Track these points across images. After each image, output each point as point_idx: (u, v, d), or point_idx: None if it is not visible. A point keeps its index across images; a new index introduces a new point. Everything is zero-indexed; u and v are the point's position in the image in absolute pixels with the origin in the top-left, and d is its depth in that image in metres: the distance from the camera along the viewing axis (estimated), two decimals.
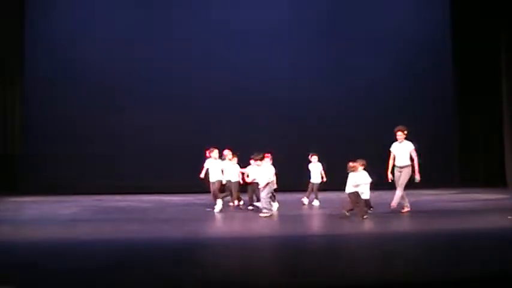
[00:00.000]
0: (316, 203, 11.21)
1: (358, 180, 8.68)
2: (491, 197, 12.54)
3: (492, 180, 15.36)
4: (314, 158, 11.43)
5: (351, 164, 8.81)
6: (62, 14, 15.72)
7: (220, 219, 9.20)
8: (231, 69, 15.85)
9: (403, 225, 8.49)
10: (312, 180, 11.37)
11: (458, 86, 16.66)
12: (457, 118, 16.72)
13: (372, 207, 9.35)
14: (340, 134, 15.57)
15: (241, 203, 11.00)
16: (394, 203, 9.38)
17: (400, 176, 9.42)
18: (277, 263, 5.37)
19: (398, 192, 9.37)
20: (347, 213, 8.60)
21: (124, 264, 5.21)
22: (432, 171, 15.52)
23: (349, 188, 8.71)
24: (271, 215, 9.08)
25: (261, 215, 9.06)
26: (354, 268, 5.06)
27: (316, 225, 8.43)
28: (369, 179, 9.09)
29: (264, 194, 9.21)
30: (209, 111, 15.56)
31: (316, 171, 11.38)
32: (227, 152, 10.76)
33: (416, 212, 9.50)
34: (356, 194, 8.67)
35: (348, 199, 8.74)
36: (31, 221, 8.93)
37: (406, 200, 9.60)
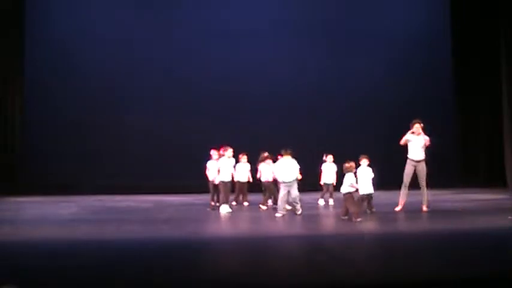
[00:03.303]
0: (331, 202, 11.36)
1: (354, 181, 8.63)
2: (491, 197, 12.53)
3: (492, 180, 15.35)
4: (329, 158, 11.35)
5: (346, 164, 8.71)
6: (62, 14, 15.75)
7: (220, 220, 9.20)
8: (231, 69, 15.86)
9: (403, 225, 8.49)
10: (325, 181, 11.31)
11: (458, 86, 16.66)
12: (457, 118, 16.73)
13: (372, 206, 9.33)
14: (340, 134, 15.57)
15: (246, 204, 11.14)
16: (425, 207, 9.41)
17: (413, 171, 9.39)
18: (277, 263, 5.37)
19: (425, 191, 9.42)
20: (343, 217, 8.52)
21: (124, 264, 5.21)
22: (432, 171, 15.60)
23: (345, 188, 8.58)
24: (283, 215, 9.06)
25: (297, 213, 9.12)
26: (354, 268, 5.06)
27: (317, 225, 8.43)
28: (371, 175, 9.15)
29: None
30: (209, 110, 15.58)
31: (330, 171, 11.32)
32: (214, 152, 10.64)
33: (416, 212, 9.49)
34: (351, 195, 8.55)
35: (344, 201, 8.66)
36: (31, 221, 8.93)
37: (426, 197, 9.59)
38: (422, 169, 9.41)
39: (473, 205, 10.94)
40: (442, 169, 16.02)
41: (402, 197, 9.55)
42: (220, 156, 10.25)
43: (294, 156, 9.34)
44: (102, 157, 15.11)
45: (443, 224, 8.19)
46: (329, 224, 8.81)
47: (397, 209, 9.50)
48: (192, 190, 13.42)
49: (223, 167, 10.06)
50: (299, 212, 9.13)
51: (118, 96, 15.54)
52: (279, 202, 9.17)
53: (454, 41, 16.71)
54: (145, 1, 16.32)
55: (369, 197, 9.20)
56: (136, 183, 14.59)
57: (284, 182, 9.05)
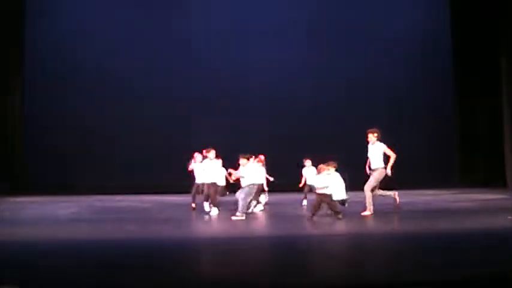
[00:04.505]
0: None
1: (319, 183, 8.64)
2: (491, 197, 12.54)
3: (492, 180, 15.36)
4: (308, 162, 11.39)
5: (320, 165, 8.87)
6: (62, 14, 15.78)
7: (219, 220, 9.20)
8: (231, 69, 15.89)
9: (403, 225, 8.49)
10: (309, 183, 11.31)
11: (458, 86, 16.67)
12: (457, 118, 16.73)
13: (338, 212, 9.05)
14: (339, 134, 15.57)
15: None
16: (368, 209, 9.17)
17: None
18: (277, 263, 5.37)
19: (367, 196, 9.19)
20: (313, 218, 8.58)
21: (124, 264, 5.21)
22: (432, 171, 15.65)
23: (317, 189, 8.76)
24: (242, 219, 8.87)
25: (233, 217, 8.81)
26: (353, 268, 5.06)
27: (314, 225, 8.43)
28: (339, 181, 9.12)
29: (242, 196, 9.05)
30: (209, 110, 15.60)
31: (311, 174, 11.29)
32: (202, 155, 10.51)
33: (416, 212, 9.50)
34: (322, 196, 8.62)
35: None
36: (31, 221, 8.92)
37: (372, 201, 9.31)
38: (376, 175, 9.18)
39: (473, 205, 10.94)
40: (442, 169, 16.07)
41: (391, 193, 9.54)
42: (204, 158, 10.17)
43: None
44: (102, 157, 15.13)
45: (443, 224, 8.19)
46: (324, 224, 8.81)
47: (397, 203, 9.48)
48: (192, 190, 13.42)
49: (208, 169, 9.91)
50: (235, 217, 8.90)
51: (118, 96, 15.56)
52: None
53: (454, 41, 16.70)
54: (145, 1, 16.32)
55: (341, 202, 9.26)
56: (137, 183, 14.60)
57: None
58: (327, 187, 8.60)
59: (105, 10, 15.91)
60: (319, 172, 8.78)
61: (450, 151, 16.59)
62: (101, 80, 15.53)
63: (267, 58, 15.96)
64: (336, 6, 16.72)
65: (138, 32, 15.82)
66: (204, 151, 10.24)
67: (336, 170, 9.11)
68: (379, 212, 9.38)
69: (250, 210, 9.32)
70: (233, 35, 16.08)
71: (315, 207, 8.62)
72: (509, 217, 8.45)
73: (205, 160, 10.06)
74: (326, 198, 8.61)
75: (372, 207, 9.14)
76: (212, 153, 9.99)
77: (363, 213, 9.07)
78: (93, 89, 15.48)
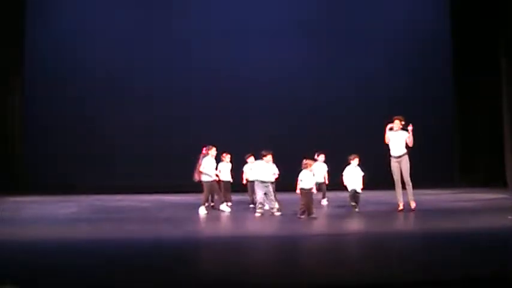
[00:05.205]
0: (324, 202, 11.26)
1: (304, 177, 8.77)
2: (491, 197, 12.54)
3: (492, 180, 15.35)
4: (321, 157, 11.32)
5: (304, 161, 8.93)
6: (62, 14, 15.78)
7: (219, 219, 9.20)
8: (232, 69, 15.89)
9: (403, 225, 8.49)
10: (316, 180, 11.29)
11: (458, 86, 16.66)
12: (457, 118, 16.73)
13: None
14: (340, 133, 15.58)
15: (229, 204, 10.94)
16: (413, 203, 9.36)
17: (399, 168, 9.34)
18: (277, 263, 5.37)
19: (410, 186, 9.35)
20: (301, 216, 8.64)
21: (124, 264, 5.21)
22: (432, 171, 15.64)
23: (301, 184, 8.83)
24: (262, 214, 9.16)
25: (273, 212, 9.23)
26: (354, 268, 5.06)
27: (315, 225, 8.43)
28: (360, 174, 9.38)
29: (257, 194, 9.39)
30: (209, 110, 15.61)
31: (321, 170, 11.27)
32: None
33: (417, 211, 9.49)
34: (308, 192, 8.71)
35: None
36: (31, 221, 8.92)
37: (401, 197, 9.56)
38: (405, 164, 9.33)
39: (473, 205, 10.94)
40: (442, 169, 16.06)
41: (398, 196, 9.53)
42: (203, 155, 10.17)
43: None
44: (102, 157, 15.13)
45: (443, 224, 8.19)
46: (325, 223, 8.81)
47: (399, 209, 9.47)
48: (192, 190, 13.41)
49: (207, 166, 9.90)
50: (278, 212, 9.23)
51: (118, 96, 15.57)
52: (260, 201, 9.32)
53: (454, 41, 16.70)
54: (145, 1, 16.32)
55: (353, 192, 9.52)
56: (137, 183, 14.59)
57: (263, 182, 9.34)
58: (305, 181, 8.71)
59: (105, 10, 15.91)
60: (305, 168, 8.83)
61: (450, 151, 16.59)
62: (101, 80, 15.53)
63: (267, 58, 15.95)
64: (336, 7, 16.72)
65: (138, 32, 15.82)
66: (204, 148, 10.24)
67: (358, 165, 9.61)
68: (379, 211, 9.39)
69: (274, 210, 9.39)
70: (233, 35, 16.07)
71: (305, 205, 8.67)
72: (509, 217, 8.45)
73: (206, 157, 10.04)
74: (304, 191, 8.70)
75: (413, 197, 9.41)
76: (213, 151, 10.03)
77: (413, 207, 9.32)
78: (93, 89, 15.48)
